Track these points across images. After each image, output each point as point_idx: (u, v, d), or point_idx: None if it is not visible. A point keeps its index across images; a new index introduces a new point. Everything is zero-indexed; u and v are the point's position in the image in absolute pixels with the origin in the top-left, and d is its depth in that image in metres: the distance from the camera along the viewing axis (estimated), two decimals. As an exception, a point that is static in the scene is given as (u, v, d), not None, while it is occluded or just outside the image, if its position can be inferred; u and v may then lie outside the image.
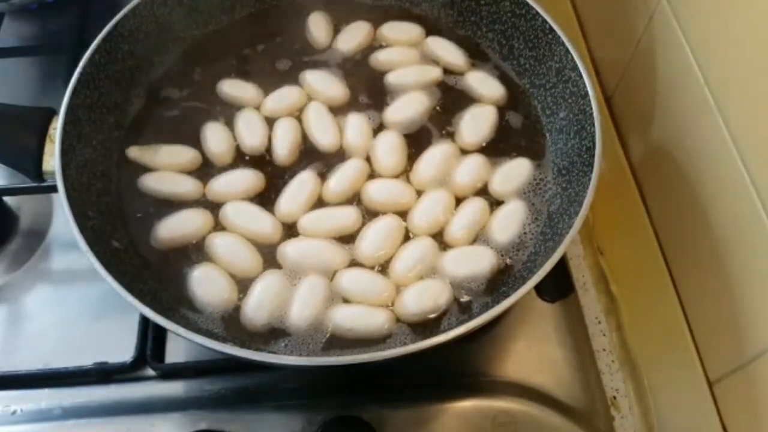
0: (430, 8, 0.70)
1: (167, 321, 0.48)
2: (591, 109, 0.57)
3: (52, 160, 0.56)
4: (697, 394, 0.55)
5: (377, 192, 0.59)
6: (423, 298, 0.54)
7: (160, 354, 0.61)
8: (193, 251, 0.57)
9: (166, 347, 0.62)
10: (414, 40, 0.69)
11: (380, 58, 0.67)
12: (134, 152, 0.61)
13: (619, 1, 0.68)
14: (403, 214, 0.58)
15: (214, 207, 0.59)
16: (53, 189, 0.54)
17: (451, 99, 0.65)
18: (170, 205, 0.59)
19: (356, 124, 0.63)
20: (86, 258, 0.49)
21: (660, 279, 0.61)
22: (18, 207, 0.71)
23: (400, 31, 0.69)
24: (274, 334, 0.53)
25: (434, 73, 0.66)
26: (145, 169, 0.61)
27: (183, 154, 0.61)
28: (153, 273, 0.56)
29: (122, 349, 0.61)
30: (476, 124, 0.62)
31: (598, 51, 0.74)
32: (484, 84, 0.65)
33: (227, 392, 0.60)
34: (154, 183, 0.59)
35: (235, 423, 0.58)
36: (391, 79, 0.66)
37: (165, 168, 0.61)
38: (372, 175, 0.61)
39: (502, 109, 0.64)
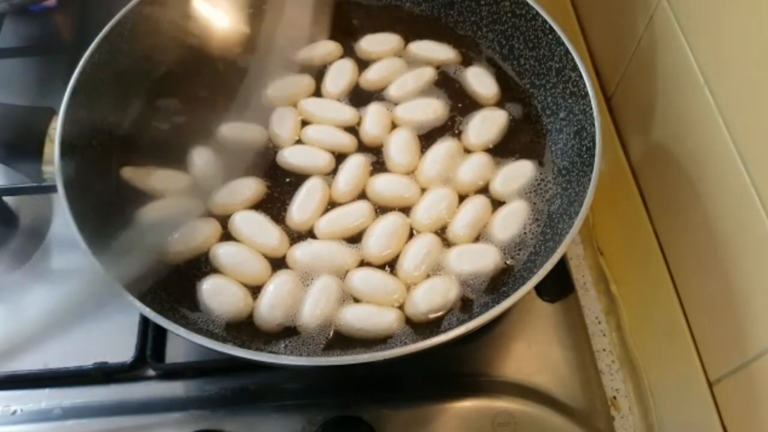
0: (430, 8, 0.70)
1: (167, 321, 0.47)
2: (591, 109, 0.57)
3: (52, 160, 0.56)
4: (697, 394, 0.55)
5: (383, 187, 0.59)
6: (432, 295, 0.54)
7: (160, 354, 0.61)
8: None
9: (166, 347, 0.62)
10: (396, 49, 0.68)
11: (369, 77, 0.66)
12: (128, 173, 0.60)
13: (619, 1, 0.68)
14: (406, 210, 0.58)
15: (217, 218, 0.58)
16: (53, 189, 0.54)
17: (459, 99, 0.65)
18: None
19: (375, 113, 0.63)
20: (86, 258, 0.49)
21: (660, 279, 0.60)
22: (18, 207, 0.71)
23: (380, 44, 0.68)
24: (281, 334, 0.53)
25: (429, 73, 0.66)
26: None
27: (175, 180, 0.60)
28: (153, 273, 0.55)
29: (122, 349, 0.60)
30: (484, 126, 0.62)
31: (598, 51, 0.74)
32: (477, 80, 0.65)
33: (227, 392, 0.60)
34: (153, 216, 0.58)
35: (235, 423, 0.58)
36: (392, 92, 0.65)
37: (158, 194, 0.59)
38: (375, 169, 0.61)
39: (498, 106, 0.64)
